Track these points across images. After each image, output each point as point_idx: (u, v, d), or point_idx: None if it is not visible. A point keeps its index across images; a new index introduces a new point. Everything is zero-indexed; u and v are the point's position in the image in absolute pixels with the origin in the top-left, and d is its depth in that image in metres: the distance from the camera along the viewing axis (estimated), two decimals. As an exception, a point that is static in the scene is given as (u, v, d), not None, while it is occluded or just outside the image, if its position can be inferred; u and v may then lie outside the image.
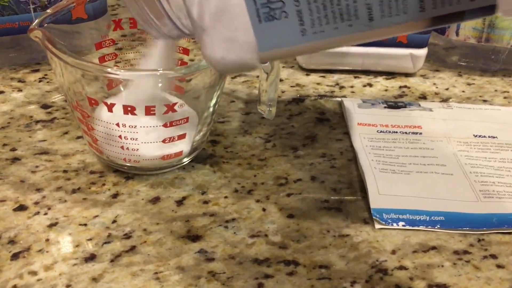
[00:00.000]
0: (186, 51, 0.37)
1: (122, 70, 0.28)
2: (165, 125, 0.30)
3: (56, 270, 0.28)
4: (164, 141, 0.31)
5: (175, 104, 0.29)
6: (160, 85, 0.31)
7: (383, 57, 0.47)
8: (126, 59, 0.38)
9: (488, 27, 0.47)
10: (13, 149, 0.36)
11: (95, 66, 0.29)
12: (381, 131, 0.40)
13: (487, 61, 0.51)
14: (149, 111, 0.29)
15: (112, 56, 0.37)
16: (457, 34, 0.48)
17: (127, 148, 0.31)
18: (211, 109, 0.34)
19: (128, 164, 0.33)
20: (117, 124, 0.30)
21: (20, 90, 0.42)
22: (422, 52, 0.47)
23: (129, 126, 0.30)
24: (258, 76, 0.47)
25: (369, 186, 0.34)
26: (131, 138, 0.30)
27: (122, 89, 0.30)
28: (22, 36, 0.44)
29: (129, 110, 0.29)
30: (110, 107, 0.29)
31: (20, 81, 0.43)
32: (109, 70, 0.28)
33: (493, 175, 0.36)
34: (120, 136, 0.30)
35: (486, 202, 0.34)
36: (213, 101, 0.33)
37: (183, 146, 0.33)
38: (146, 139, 0.31)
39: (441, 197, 0.34)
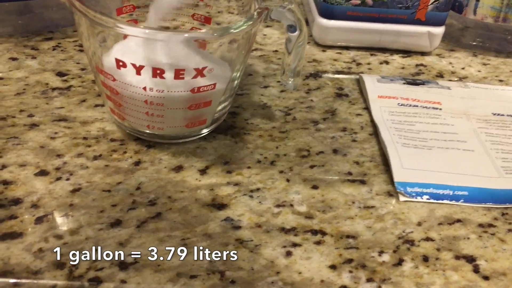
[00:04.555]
0: (207, 20, 0.37)
1: (151, 29, 0.27)
2: (192, 91, 0.30)
3: (82, 234, 0.27)
4: (190, 107, 0.30)
5: (204, 68, 0.29)
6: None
7: (400, 35, 0.47)
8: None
9: (507, 7, 0.47)
10: (31, 115, 0.35)
11: (126, 23, 0.28)
12: (401, 104, 0.40)
13: (501, 42, 0.50)
14: (178, 74, 0.28)
15: (132, 22, 0.36)
16: (474, 13, 0.48)
17: (152, 114, 0.31)
18: (235, 82, 0.33)
19: (148, 131, 0.32)
20: (144, 88, 0.29)
21: (34, 58, 0.41)
22: (440, 30, 0.47)
23: (157, 91, 0.29)
24: (276, 51, 0.47)
25: (392, 160, 0.34)
26: (157, 104, 0.30)
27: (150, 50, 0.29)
28: (35, 2, 0.43)
29: (158, 73, 0.28)
30: (138, 70, 0.28)
31: (33, 48, 0.42)
32: (139, 28, 0.27)
33: (514, 152, 0.36)
34: (146, 101, 0.30)
35: (508, 178, 0.34)
36: (237, 74, 0.33)
37: (208, 114, 0.32)
38: (172, 105, 0.30)
39: (463, 172, 0.34)
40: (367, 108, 0.40)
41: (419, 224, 0.30)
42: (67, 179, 0.30)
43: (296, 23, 0.32)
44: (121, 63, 0.28)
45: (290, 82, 0.36)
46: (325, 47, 0.48)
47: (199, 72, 0.29)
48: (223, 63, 0.31)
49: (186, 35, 0.28)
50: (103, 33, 0.29)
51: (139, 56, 0.28)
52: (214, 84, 0.30)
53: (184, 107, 0.30)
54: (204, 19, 0.37)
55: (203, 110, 0.31)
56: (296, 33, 0.32)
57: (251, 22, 0.29)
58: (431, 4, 0.45)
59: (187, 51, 0.29)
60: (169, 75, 0.28)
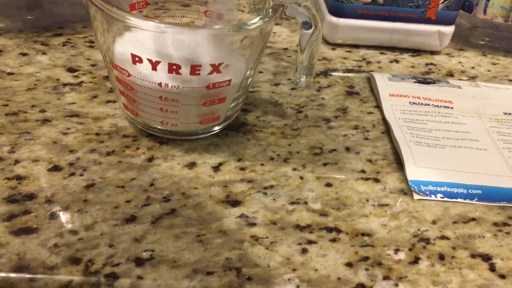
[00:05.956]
0: (219, 16, 0.36)
1: (167, 24, 0.27)
2: (207, 87, 0.29)
3: (97, 230, 0.27)
4: (204, 103, 0.30)
5: (220, 64, 0.28)
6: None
7: (410, 33, 0.47)
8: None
9: (517, 6, 0.47)
10: (42, 111, 0.35)
11: (142, 17, 0.28)
12: (413, 103, 0.40)
13: (510, 42, 0.50)
14: (194, 70, 0.28)
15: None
16: (484, 12, 0.48)
17: (166, 110, 0.30)
18: (249, 79, 0.33)
19: (162, 127, 0.32)
20: (159, 84, 0.29)
21: (44, 53, 0.41)
22: (450, 29, 0.47)
23: (172, 86, 0.29)
24: (286, 48, 0.47)
25: (405, 158, 0.34)
26: (172, 100, 0.30)
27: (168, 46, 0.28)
28: (45, -2, 0.43)
29: (174, 69, 0.28)
30: (154, 65, 0.28)
31: (43, 44, 0.42)
32: (155, 23, 0.27)
33: (526, 151, 0.36)
34: (160, 97, 0.30)
35: (521, 177, 0.34)
36: (251, 72, 0.33)
37: (221, 110, 0.32)
38: (187, 101, 0.30)
39: (476, 171, 0.34)
40: (379, 107, 0.40)
41: (434, 222, 0.30)
42: (81, 175, 0.30)
43: (311, 19, 0.32)
44: (137, 58, 0.28)
45: (302, 79, 0.36)
46: (334, 45, 0.48)
47: (215, 68, 0.29)
48: (239, 58, 0.31)
49: (203, 30, 0.28)
50: (118, 29, 0.29)
51: (155, 51, 0.28)
52: (229, 81, 0.30)
53: (198, 103, 0.30)
54: (217, 16, 0.36)
55: (217, 107, 0.31)
56: (311, 29, 0.32)
57: (267, 19, 0.29)
58: (441, 3, 0.45)
59: (203, 47, 0.28)
60: (185, 70, 0.28)
